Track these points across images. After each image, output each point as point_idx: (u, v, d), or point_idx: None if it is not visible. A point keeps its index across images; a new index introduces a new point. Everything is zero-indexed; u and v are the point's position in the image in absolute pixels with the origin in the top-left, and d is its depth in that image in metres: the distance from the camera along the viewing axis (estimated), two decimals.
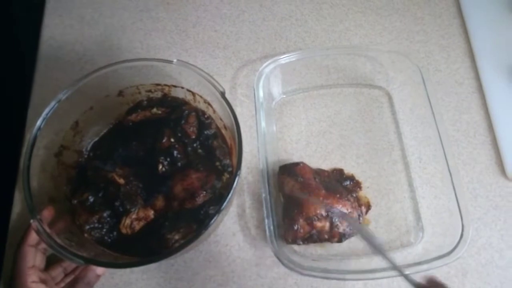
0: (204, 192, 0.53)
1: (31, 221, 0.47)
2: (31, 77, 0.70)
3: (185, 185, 0.54)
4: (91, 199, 0.54)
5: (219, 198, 0.54)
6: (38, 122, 0.52)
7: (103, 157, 0.58)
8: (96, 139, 0.61)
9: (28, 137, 0.52)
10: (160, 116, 0.61)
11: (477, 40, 0.71)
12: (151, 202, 0.54)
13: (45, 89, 0.69)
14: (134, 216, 0.53)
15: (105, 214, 0.53)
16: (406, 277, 0.45)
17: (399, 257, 0.57)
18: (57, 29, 0.75)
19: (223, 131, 0.60)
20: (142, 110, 0.61)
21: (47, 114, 0.53)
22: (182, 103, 0.61)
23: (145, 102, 0.62)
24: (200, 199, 0.53)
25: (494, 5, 0.74)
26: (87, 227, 0.53)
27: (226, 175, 0.56)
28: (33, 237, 0.51)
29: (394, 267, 0.47)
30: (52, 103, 0.54)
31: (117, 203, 0.53)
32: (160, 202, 0.54)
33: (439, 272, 0.57)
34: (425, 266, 0.51)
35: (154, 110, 0.61)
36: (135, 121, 0.60)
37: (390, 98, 0.68)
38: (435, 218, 0.59)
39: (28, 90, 0.69)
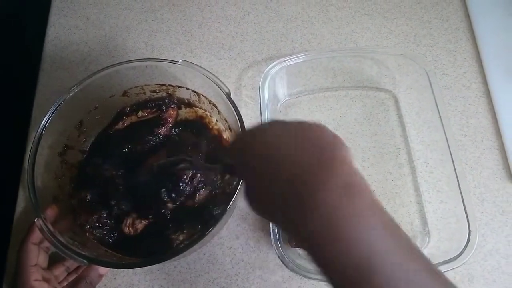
0: (203, 187, 0.53)
1: (35, 219, 0.47)
2: (36, 76, 0.70)
3: None
4: (89, 197, 0.54)
5: (223, 198, 0.54)
6: (43, 122, 0.52)
7: (102, 155, 0.58)
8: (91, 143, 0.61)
9: (33, 136, 0.52)
10: (147, 118, 0.61)
11: (485, 44, 0.70)
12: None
13: (50, 89, 0.69)
14: (135, 214, 0.53)
15: (103, 214, 0.53)
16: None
17: None
18: (62, 29, 0.75)
19: (228, 132, 0.60)
20: (127, 117, 0.62)
21: (51, 114, 0.53)
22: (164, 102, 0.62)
23: (128, 109, 0.62)
24: (201, 196, 0.53)
25: (502, 9, 0.73)
26: (88, 226, 0.53)
27: (227, 174, 0.56)
28: (36, 235, 0.51)
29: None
30: (57, 103, 0.54)
31: (112, 202, 0.53)
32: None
33: None
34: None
35: (140, 113, 0.61)
36: (123, 128, 0.61)
37: (396, 102, 0.67)
38: (441, 223, 0.58)
39: (32, 90, 0.69)
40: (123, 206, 0.53)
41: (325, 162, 0.30)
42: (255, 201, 0.34)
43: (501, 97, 0.66)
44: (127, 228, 0.52)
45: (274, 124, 0.35)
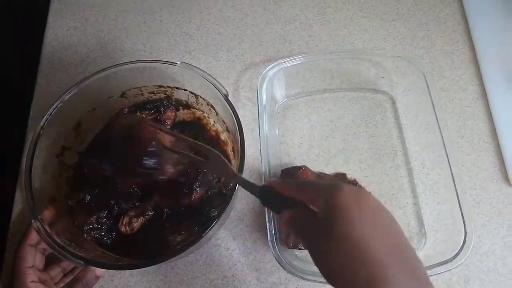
0: (200, 185, 0.53)
1: (32, 220, 0.47)
2: (34, 78, 0.70)
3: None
4: (88, 197, 0.54)
5: (220, 200, 0.54)
6: (41, 123, 0.52)
7: (100, 156, 0.58)
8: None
9: (30, 137, 0.52)
10: None
11: (482, 46, 0.71)
12: (146, 200, 0.54)
13: (48, 90, 0.69)
14: (132, 213, 0.53)
15: (102, 214, 0.53)
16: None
17: None
18: (61, 31, 0.75)
19: (225, 133, 0.60)
20: None
21: (49, 115, 0.53)
22: (162, 104, 0.62)
23: (126, 110, 0.62)
24: (197, 194, 0.53)
25: (499, 12, 0.74)
26: (86, 227, 0.53)
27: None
28: (33, 236, 0.51)
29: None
30: (55, 104, 0.54)
31: (112, 202, 0.53)
32: (156, 198, 0.54)
33: (441, 279, 0.57)
34: (427, 272, 0.50)
35: (138, 114, 0.62)
36: None
37: (393, 103, 0.68)
38: (438, 224, 0.58)
39: (30, 91, 0.69)
40: (122, 205, 0.53)
41: (408, 259, 0.35)
42: (328, 262, 0.36)
43: (497, 99, 0.66)
44: (124, 227, 0.52)
45: (374, 202, 0.36)
